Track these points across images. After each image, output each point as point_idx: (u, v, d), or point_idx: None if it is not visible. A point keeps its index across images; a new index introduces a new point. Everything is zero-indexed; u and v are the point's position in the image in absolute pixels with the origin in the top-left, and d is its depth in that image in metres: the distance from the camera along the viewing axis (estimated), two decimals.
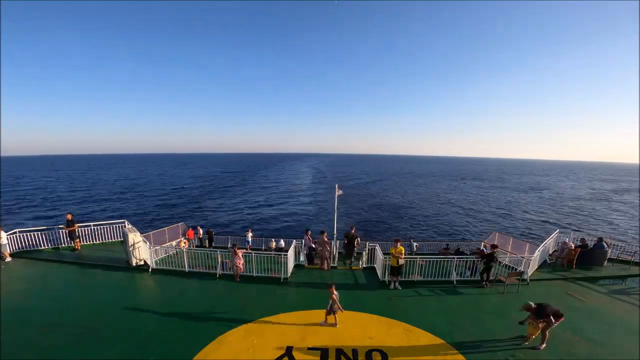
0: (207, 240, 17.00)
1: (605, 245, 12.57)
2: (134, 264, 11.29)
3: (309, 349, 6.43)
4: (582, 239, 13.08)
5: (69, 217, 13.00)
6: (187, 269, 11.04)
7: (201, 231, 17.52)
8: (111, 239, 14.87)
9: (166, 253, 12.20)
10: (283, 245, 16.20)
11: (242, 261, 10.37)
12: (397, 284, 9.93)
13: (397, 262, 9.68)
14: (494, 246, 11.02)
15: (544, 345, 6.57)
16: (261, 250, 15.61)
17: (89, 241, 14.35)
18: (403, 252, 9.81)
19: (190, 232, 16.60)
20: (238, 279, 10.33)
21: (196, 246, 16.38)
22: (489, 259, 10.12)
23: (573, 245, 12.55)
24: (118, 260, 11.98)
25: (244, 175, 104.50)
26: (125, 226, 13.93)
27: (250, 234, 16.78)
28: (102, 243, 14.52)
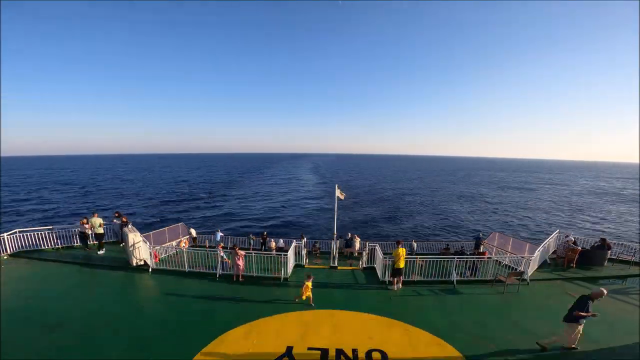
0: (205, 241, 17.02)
1: (606, 246, 12.58)
2: (134, 264, 11.29)
3: (309, 348, 6.42)
4: (572, 241, 13.07)
5: None
6: (187, 269, 11.04)
7: (194, 232, 17.48)
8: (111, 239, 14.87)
9: (166, 253, 12.21)
10: (283, 245, 16.20)
11: (242, 261, 10.38)
12: (400, 284, 9.98)
13: (399, 264, 9.71)
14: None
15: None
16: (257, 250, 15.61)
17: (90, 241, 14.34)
18: (403, 253, 9.82)
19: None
20: (241, 279, 10.34)
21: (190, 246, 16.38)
22: None
23: (574, 246, 12.54)
24: (118, 260, 12.00)
25: (241, 176, 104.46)
26: (117, 223, 13.99)
27: (220, 233, 16.71)
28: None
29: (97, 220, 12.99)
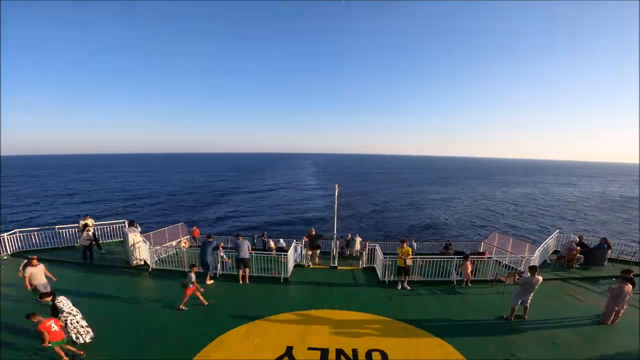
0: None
1: (606, 245, 12.56)
2: (134, 264, 11.29)
3: (309, 348, 6.43)
4: (580, 237, 13.11)
5: None
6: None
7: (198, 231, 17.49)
8: (111, 238, 14.88)
9: (166, 253, 12.20)
10: (283, 245, 16.17)
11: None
12: (405, 284, 9.94)
13: (405, 262, 9.65)
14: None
15: None
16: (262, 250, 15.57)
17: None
18: (410, 252, 9.76)
19: (196, 230, 16.80)
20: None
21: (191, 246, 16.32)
22: None
23: (575, 245, 12.52)
24: (118, 261, 11.98)
25: (241, 176, 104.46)
26: (125, 226, 13.93)
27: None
28: (101, 243, 14.52)
29: (90, 222, 13.55)
